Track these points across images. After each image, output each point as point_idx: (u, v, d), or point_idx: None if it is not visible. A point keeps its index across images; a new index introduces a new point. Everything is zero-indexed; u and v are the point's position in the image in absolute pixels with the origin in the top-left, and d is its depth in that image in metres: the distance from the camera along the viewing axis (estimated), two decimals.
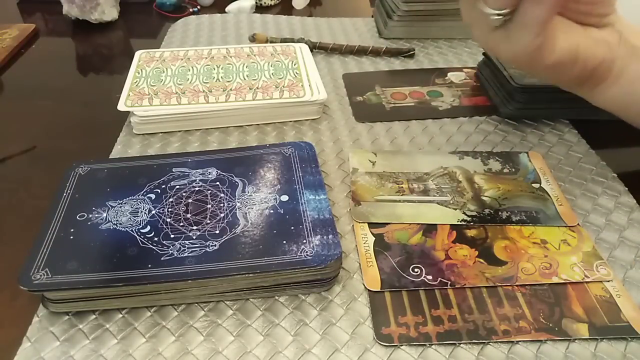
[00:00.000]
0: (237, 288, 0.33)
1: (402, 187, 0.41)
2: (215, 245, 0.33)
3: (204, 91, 0.49)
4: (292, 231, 0.34)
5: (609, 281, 0.34)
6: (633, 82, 0.34)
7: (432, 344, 0.31)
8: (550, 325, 0.31)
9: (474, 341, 0.31)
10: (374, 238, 0.37)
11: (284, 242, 0.33)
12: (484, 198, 0.40)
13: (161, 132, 0.48)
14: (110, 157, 0.45)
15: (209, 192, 0.38)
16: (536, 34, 0.29)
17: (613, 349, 0.31)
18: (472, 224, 0.38)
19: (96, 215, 0.36)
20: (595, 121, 0.48)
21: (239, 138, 0.48)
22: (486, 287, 0.34)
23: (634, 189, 0.41)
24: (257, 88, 0.50)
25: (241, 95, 0.49)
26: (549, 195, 0.40)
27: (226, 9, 0.74)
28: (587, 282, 0.34)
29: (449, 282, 0.34)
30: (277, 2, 0.78)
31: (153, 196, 0.37)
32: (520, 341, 0.31)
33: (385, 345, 0.31)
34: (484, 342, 0.31)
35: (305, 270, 0.32)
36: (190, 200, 0.37)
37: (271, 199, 0.37)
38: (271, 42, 0.62)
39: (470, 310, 0.32)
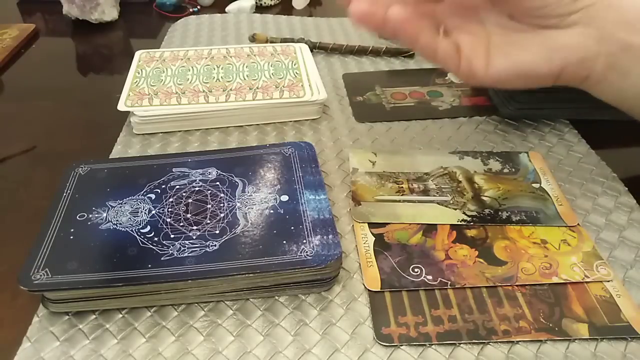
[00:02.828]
0: (237, 288, 0.33)
1: (402, 187, 0.41)
2: (215, 245, 0.33)
3: (204, 91, 0.49)
4: (292, 231, 0.34)
5: (609, 281, 0.34)
6: (624, 77, 0.33)
7: (432, 344, 0.31)
8: (550, 325, 0.31)
9: (474, 341, 0.31)
10: (374, 238, 0.37)
11: (284, 242, 0.33)
12: (484, 198, 0.40)
13: (161, 132, 0.48)
14: (110, 157, 0.45)
15: (209, 192, 0.38)
16: (453, 61, 0.33)
17: (613, 349, 0.31)
18: (472, 224, 0.38)
19: (96, 215, 0.36)
20: (595, 121, 0.48)
21: (239, 138, 0.48)
22: (486, 287, 0.34)
23: (634, 189, 0.41)
24: (257, 88, 0.50)
25: (241, 95, 0.49)
26: (549, 195, 0.40)
27: (226, 9, 0.74)
28: (587, 282, 0.34)
29: (449, 282, 0.34)
30: (277, 2, 0.77)
31: (153, 196, 0.37)
32: (520, 341, 0.31)
33: (385, 345, 0.31)
34: (484, 342, 0.31)
35: (305, 270, 0.32)
36: (190, 200, 0.37)
37: (271, 199, 0.37)
38: (271, 42, 0.62)
39: (470, 310, 0.32)
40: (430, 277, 0.34)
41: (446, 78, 0.57)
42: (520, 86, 0.34)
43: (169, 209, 0.36)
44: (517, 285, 0.34)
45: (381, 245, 0.36)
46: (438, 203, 0.40)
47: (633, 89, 0.33)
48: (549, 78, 0.33)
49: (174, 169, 0.40)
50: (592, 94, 0.35)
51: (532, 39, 0.33)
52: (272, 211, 0.36)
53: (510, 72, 0.33)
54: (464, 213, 0.39)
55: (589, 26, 0.31)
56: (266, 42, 0.62)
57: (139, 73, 0.52)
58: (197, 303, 0.33)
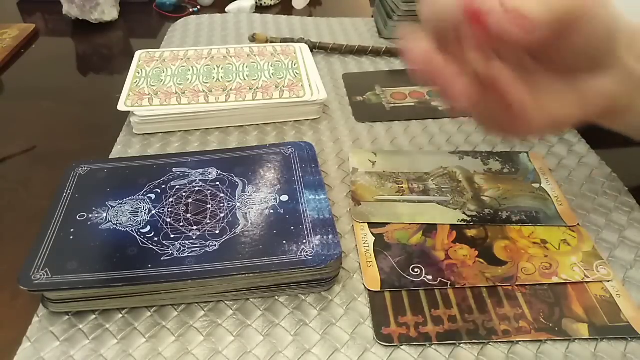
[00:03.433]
0: (237, 288, 0.33)
1: (402, 187, 0.41)
2: (215, 245, 0.33)
3: (204, 91, 0.49)
4: (292, 231, 0.34)
5: (609, 281, 0.34)
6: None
7: (432, 344, 0.31)
8: (550, 325, 0.31)
9: (474, 341, 0.31)
10: (374, 238, 0.37)
11: (284, 242, 0.33)
12: (484, 198, 0.40)
13: (161, 132, 0.48)
14: (110, 157, 0.45)
15: (209, 192, 0.38)
16: (499, 124, 0.30)
17: (613, 349, 0.31)
18: (472, 224, 0.38)
19: (96, 215, 0.36)
20: None
21: (239, 138, 0.48)
22: (486, 287, 0.34)
23: (634, 189, 0.41)
24: (257, 88, 0.50)
25: (241, 95, 0.49)
26: (549, 195, 0.40)
27: (226, 9, 0.74)
28: (587, 282, 0.34)
29: (449, 282, 0.34)
30: (277, 2, 0.78)
31: (153, 196, 0.37)
32: (520, 341, 0.31)
33: (385, 345, 0.31)
34: (484, 342, 0.31)
35: (305, 270, 0.32)
36: (190, 200, 0.37)
37: (271, 199, 0.37)
38: (271, 42, 0.62)
39: (470, 310, 0.32)
40: (430, 277, 0.34)
41: None
42: (552, 133, 0.33)
43: (169, 209, 0.36)
44: (517, 285, 0.34)
45: (381, 245, 0.36)
46: (438, 203, 0.40)
47: None
48: (581, 123, 0.32)
49: (174, 169, 0.40)
50: (614, 129, 0.34)
51: (564, 88, 0.30)
52: (272, 211, 0.36)
53: (548, 124, 0.31)
54: (464, 213, 0.39)
55: (617, 68, 0.30)
56: (266, 42, 0.62)
57: (139, 73, 0.52)
58: (197, 303, 0.33)
